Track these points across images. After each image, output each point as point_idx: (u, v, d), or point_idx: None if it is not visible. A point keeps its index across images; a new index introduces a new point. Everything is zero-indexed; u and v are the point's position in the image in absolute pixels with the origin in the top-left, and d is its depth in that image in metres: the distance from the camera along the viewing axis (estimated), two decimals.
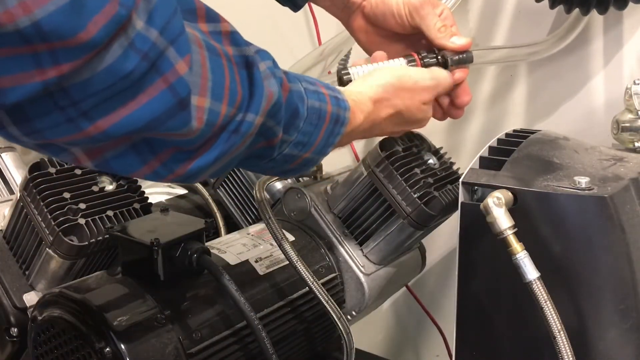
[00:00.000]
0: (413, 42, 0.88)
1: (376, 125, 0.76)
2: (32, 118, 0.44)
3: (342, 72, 0.82)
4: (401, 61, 0.84)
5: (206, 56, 0.51)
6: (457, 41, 0.83)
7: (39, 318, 0.75)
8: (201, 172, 0.55)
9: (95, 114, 0.45)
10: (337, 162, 1.23)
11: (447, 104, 0.86)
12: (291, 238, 0.92)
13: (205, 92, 0.50)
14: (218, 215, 1.07)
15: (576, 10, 1.09)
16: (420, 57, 0.84)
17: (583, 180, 0.74)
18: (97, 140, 0.47)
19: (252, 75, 0.56)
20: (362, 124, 0.73)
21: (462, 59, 0.84)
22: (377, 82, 0.76)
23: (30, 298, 0.88)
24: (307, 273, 0.82)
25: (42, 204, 0.84)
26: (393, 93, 0.76)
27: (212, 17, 0.55)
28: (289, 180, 1.03)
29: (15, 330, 0.88)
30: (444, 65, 0.83)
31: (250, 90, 0.55)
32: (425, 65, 0.84)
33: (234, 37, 0.56)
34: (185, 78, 0.48)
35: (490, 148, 0.87)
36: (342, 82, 0.82)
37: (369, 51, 0.89)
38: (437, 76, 0.81)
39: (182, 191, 1.17)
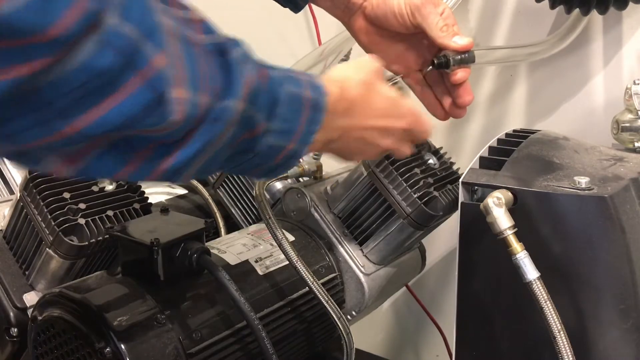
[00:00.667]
0: (414, 43, 0.88)
1: (346, 113, 0.71)
2: (3, 120, 0.43)
3: None
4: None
5: (181, 47, 0.50)
6: (459, 41, 0.83)
7: (39, 318, 0.75)
8: (186, 167, 0.54)
9: (70, 113, 0.44)
10: (337, 162, 1.23)
11: (449, 104, 0.86)
12: (291, 238, 0.92)
13: (183, 83, 0.49)
14: (218, 215, 1.07)
15: (576, 10, 1.09)
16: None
17: (583, 180, 0.74)
18: (74, 141, 0.46)
19: (228, 62, 0.55)
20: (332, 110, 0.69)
21: (464, 58, 0.84)
22: (359, 80, 0.72)
23: (30, 298, 0.88)
24: (307, 273, 0.82)
25: (42, 204, 0.84)
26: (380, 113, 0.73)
27: (182, 5, 0.55)
28: (289, 180, 1.03)
29: (15, 330, 0.88)
30: (445, 65, 0.83)
31: (228, 78, 0.55)
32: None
33: (205, 26, 0.56)
34: (163, 73, 0.47)
35: (490, 148, 0.87)
36: None
37: (370, 52, 0.89)
38: (416, 121, 0.77)
39: (182, 191, 1.17)
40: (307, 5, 0.90)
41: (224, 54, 0.55)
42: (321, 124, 0.66)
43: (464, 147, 1.40)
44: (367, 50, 0.90)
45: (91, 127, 0.45)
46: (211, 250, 0.82)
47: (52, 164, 0.49)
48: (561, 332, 0.68)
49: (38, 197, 0.84)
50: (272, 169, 0.66)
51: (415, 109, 0.77)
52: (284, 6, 0.88)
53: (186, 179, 0.58)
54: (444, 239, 1.32)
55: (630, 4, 1.05)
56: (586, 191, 0.73)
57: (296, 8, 0.88)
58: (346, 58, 1.19)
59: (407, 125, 0.76)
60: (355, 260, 0.94)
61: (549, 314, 0.68)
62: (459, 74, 0.84)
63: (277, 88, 0.61)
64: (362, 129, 0.73)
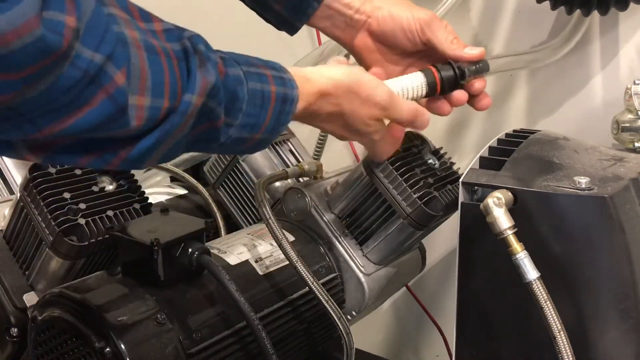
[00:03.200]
0: (416, 60, 0.88)
1: (316, 118, 0.75)
2: None
3: None
4: (418, 75, 0.84)
5: (145, 57, 0.54)
6: (471, 51, 0.84)
7: (39, 318, 0.75)
8: (146, 156, 0.58)
9: (41, 122, 0.50)
10: (337, 162, 1.23)
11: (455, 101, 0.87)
12: (291, 238, 0.92)
13: (144, 91, 0.54)
14: (218, 215, 1.07)
15: (577, 11, 1.09)
16: (437, 69, 0.84)
17: (583, 180, 0.74)
18: (41, 141, 0.52)
19: (189, 65, 0.58)
20: (302, 112, 0.71)
21: (478, 68, 0.84)
22: (332, 75, 0.74)
23: (30, 298, 0.88)
24: (307, 273, 0.82)
25: (42, 204, 0.84)
26: (342, 92, 0.74)
27: (145, 17, 0.58)
28: (289, 181, 1.03)
29: (15, 330, 0.88)
30: (461, 76, 0.84)
31: (188, 78, 0.58)
32: (443, 78, 0.83)
33: (168, 35, 0.59)
34: (124, 87, 0.52)
35: (490, 148, 0.87)
36: None
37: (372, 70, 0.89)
38: (396, 101, 0.79)
39: (182, 191, 1.17)
40: None
41: (186, 56, 0.58)
42: (292, 115, 0.69)
43: (464, 147, 1.40)
44: (369, 69, 0.89)
45: (60, 133, 0.51)
46: (211, 250, 0.82)
47: (20, 153, 0.54)
48: (561, 332, 0.68)
49: (38, 197, 0.84)
50: (241, 152, 0.71)
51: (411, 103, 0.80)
52: (279, 29, 0.88)
53: (149, 165, 0.62)
54: (444, 239, 1.32)
55: (631, 5, 1.05)
56: (586, 191, 0.73)
57: (292, 30, 0.88)
58: (346, 58, 1.19)
59: (398, 116, 0.79)
60: (355, 260, 0.94)
61: (549, 314, 0.68)
62: (477, 84, 0.84)
63: (236, 86, 0.63)
64: (349, 115, 0.75)
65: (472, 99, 0.86)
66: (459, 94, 0.85)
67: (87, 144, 0.55)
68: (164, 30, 0.59)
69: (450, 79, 0.84)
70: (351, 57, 0.93)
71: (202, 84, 0.58)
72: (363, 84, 0.75)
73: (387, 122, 0.81)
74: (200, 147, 0.65)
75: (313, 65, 1.27)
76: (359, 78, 0.76)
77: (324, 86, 0.73)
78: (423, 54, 0.87)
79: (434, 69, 0.84)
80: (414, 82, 0.83)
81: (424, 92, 0.84)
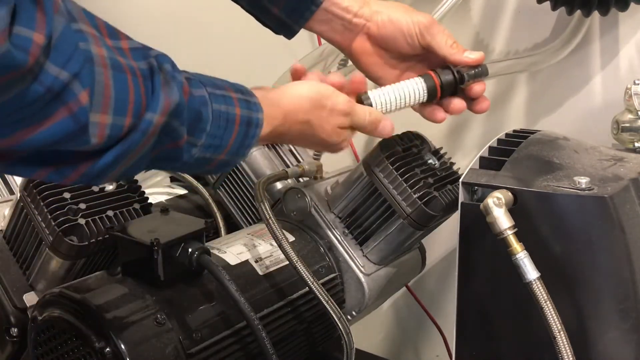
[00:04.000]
0: (413, 64, 0.88)
1: (285, 138, 0.76)
2: None
3: (362, 96, 0.83)
4: (418, 80, 0.84)
5: (110, 75, 0.54)
6: (471, 55, 0.84)
7: (39, 318, 0.75)
8: (105, 172, 0.58)
9: (2, 132, 0.50)
10: (337, 162, 1.23)
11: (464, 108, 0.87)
12: (291, 238, 0.92)
13: (107, 109, 0.54)
14: (218, 215, 1.07)
15: (577, 12, 1.09)
16: (436, 74, 0.84)
17: (583, 181, 0.74)
18: (1, 151, 0.52)
19: (153, 84, 0.59)
20: (269, 134, 0.72)
21: (477, 72, 0.84)
22: (296, 92, 0.76)
23: (30, 298, 0.88)
24: (307, 273, 0.82)
25: (42, 204, 0.84)
26: (308, 107, 0.75)
27: (113, 34, 0.58)
28: (289, 181, 1.03)
29: (15, 330, 0.88)
30: (460, 80, 0.84)
31: (151, 97, 0.58)
32: (443, 82, 0.84)
33: (135, 53, 0.59)
34: (86, 107, 0.52)
35: (490, 148, 0.87)
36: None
37: (369, 74, 0.89)
38: (356, 109, 0.80)
39: (182, 191, 1.17)
40: None
41: (152, 75, 0.59)
42: (257, 138, 0.69)
43: (464, 147, 1.40)
44: (367, 73, 0.89)
45: (19, 146, 0.51)
46: (211, 250, 0.82)
47: None
48: (561, 332, 0.68)
49: (38, 197, 0.84)
50: (207, 172, 0.70)
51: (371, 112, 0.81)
52: (277, 33, 0.88)
53: (109, 180, 0.63)
54: (444, 239, 1.32)
55: (631, 5, 1.05)
56: (586, 191, 0.73)
57: (290, 34, 0.88)
58: (346, 58, 1.19)
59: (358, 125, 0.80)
60: (355, 260, 0.94)
61: (549, 314, 0.68)
62: (476, 88, 0.85)
63: (200, 106, 0.63)
64: (316, 132, 0.77)
65: (471, 103, 0.86)
66: (458, 103, 0.86)
67: (46, 157, 0.55)
68: (130, 48, 0.59)
69: (450, 83, 0.84)
70: (349, 61, 0.93)
71: (165, 103, 0.59)
72: (325, 95, 0.77)
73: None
74: (162, 165, 0.66)
75: (313, 66, 1.28)
76: (321, 90, 0.77)
77: (290, 106, 0.74)
78: (420, 57, 0.87)
79: (433, 74, 0.84)
80: (414, 87, 0.83)
81: (424, 98, 0.84)
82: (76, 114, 0.52)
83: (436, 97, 0.84)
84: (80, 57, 0.52)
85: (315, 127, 0.76)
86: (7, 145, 0.51)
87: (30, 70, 0.48)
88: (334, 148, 0.82)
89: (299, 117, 0.75)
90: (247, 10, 0.87)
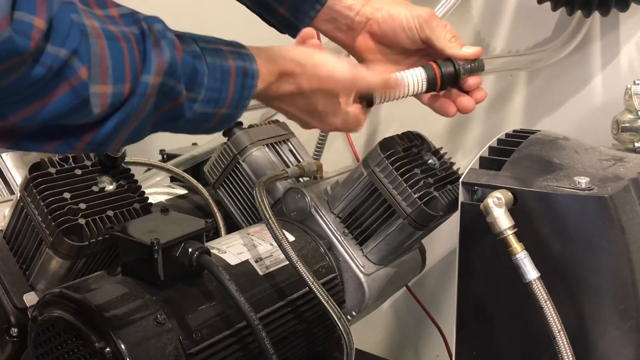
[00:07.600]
0: (417, 60, 0.88)
1: (276, 98, 0.74)
2: None
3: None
4: (419, 70, 0.84)
5: (105, 45, 0.55)
6: (468, 50, 0.85)
7: (39, 318, 0.75)
8: (110, 138, 0.59)
9: (6, 111, 0.52)
10: (337, 162, 1.23)
11: (459, 101, 0.87)
12: (291, 238, 0.92)
13: (106, 79, 0.55)
14: (218, 215, 1.07)
15: (578, 12, 1.09)
16: (437, 65, 0.85)
17: (583, 181, 0.74)
18: (7, 129, 0.54)
19: (145, 46, 0.59)
20: (263, 91, 0.71)
21: (474, 67, 0.86)
22: (291, 56, 0.74)
23: (30, 298, 0.88)
24: (307, 273, 0.81)
25: (42, 204, 0.84)
26: (302, 72, 0.73)
27: (101, 2, 0.59)
28: (289, 181, 1.03)
29: (15, 330, 0.88)
30: (457, 74, 0.85)
31: (144, 59, 0.59)
32: (443, 73, 0.84)
33: (126, 19, 0.59)
34: (86, 81, 0.54)
35: (490, 148, 0.87)
36: (365, 100, 0.82)
37: None
38: (361, 71, 0.78)
39: (182, 191, 1.17)
40: None
41: (143, 38, 0.59)
42: (255, 89, 0.69)
43: (465, 147, 1.40)
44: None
45: (24, 121, 0.53)
46: (211, 250, 0.82)
47: None
48: (561, 332, 0.68)
49: (38, 197, 0.84)
50: (209, 129, 0.70)
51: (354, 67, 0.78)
52: (282, 32, 0.89)
53: (114, 147, 0.63)
54: (444, 239, 1.32)
55: (632, 5, 1.05)
56: (586, 191, 0.73)
57: (295, 33, 0.88)
58: (348, 56, 1.19)
59: (350, 84, 0.77)
60: (355, 260, 0.94)
61: (549, 314, 0.68)
62: (470, 81, 0.85)
63: (194, 60, 0.64)
64: (308, 93, 0.75)
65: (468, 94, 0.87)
66: (467, 101, 0.87)
67: (52, 130, 0.56)
68: (120, 15, 0.59)
69: (450, 75, 0.85)
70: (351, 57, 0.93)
71: (158, 63, 0.59)
72: (321, 64, 0.75)
73: (351, 106, 0.79)
74: (167, 126, 0.66)
75: None
76: (317, 58, 0.75)
77: (284, 66, 0.73)
78: (424, 52, 0.88)
79: (434, 65, 0.85)
80: (415, 76, 0.84)
81: (424, 87, 0.85)
82: (77, 88, 0.53)
83: (436, 87, 0.85)
84: (76, 32, 0.52)
85: (306, 93, 0.74)
86: (14, 122, 0.53)
87: (32, 54, 0.48)
88: (323, 125, 0.79)
89: (291, 79, 0.73)
90: (252, 10, 0.88)
